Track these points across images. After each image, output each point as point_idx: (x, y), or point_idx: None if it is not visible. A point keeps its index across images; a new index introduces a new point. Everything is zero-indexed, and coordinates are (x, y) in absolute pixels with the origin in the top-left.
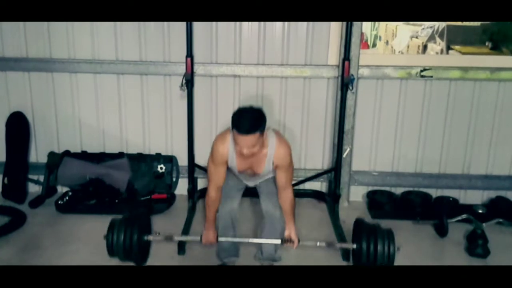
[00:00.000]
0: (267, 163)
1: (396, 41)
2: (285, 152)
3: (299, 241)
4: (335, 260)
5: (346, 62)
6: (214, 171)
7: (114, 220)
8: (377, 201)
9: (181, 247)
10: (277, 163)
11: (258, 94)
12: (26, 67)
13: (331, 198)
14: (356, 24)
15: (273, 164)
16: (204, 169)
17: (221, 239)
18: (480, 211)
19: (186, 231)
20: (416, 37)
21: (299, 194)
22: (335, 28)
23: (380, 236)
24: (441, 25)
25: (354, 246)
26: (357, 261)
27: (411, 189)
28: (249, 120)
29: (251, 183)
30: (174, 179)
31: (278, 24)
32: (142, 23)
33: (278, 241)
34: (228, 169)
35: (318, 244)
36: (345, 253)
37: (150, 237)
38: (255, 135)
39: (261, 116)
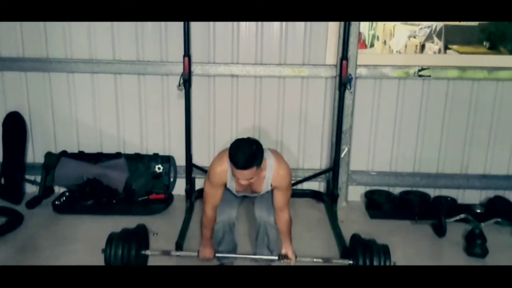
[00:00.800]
0: (265, 185)
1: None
2: (284, 174)
3: (296, 257)
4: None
5: (344, 62)
6: (211, 193)
7: (112, 234)
8: (375, 201)
9: (179, 247)
10: (275, 185)
11: (256, 94)
12: (22, 67)
13: (329, 198)
14: (354, 23)
15: (271, 186)
16: (202, 169)
17: (218, 255)
18: (478, 211)
19: (183, 231)
20: (414, 37)
21: (297, 194)
22: (333, 28)
23: (376, 252)
24: (438, 24)
25: (350, 262)
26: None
27: (409, 189)
28: (246, 156)
29: (248, 198)
30: (171, 179)
31: (276, 24)
32: (139, 22)
33: (275, 258)
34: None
35: (314, 260)
36: (343, 253)
37: (148, 252)
38: (252, 170)
39: (258, 150)
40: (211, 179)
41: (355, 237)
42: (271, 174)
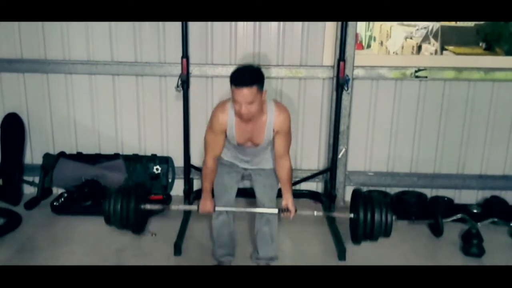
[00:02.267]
0: (267, 131)
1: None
2: (284, 117)
3: (296, 210)
4: (331, 260)
5: (342, 63)
6: (212, 141)
7: (111, 190)
8: None
9: (177, 248)
10: (277, 129)
11: None
12: (20, 68)
13: (327, 198)
14: (351, 24)
15: (274, 131)
16: (200, 170)
17: (218, 208)
18: (475, 211)
19: (182, 232)
20: (411, 38)
21: (295, 194)
22: (330, 29)
23: (377, 206)
24: (435, 25)
25: (352, 215)
26: (354, 231)
27: (406, 189)
28: (246, 74)
29: (248, 164)
30: (170, 180)
31: (274, 25)
32: (137, 24)
33: (275, 211)
34: (225, 144)
35: (315, 213)
36: (341, 253)
37: (147, 206)
38: (252, 89)
39: (259, 72)
40: (212, 125)
41: (356, 192)
42: (272, 118)
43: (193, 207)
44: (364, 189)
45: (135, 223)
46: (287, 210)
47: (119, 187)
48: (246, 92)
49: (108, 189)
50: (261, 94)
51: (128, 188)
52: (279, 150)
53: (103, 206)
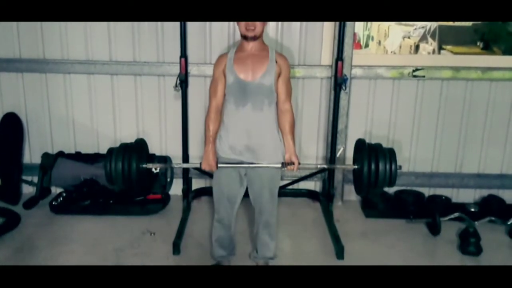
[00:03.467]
0: (269, 64)
1: (389, 41)
2: (286, 59)
3: (299, 163)
4: (330, 259)
5: (339, 62)
6: (213, 86)
7: (112, 148)
8: (371, 200)
9: (176, 247)
10: (279, 64)
11: None
12: (19, 67)
13: (325, 198)
14: (349, 24)
15: (276, 64)
16: (198, 169)
17: (221, 165)
18: (473, 210)
19: (181, 231)
20: (408, 37)
21: (293, 193)
22: (328, 29)
23: (382, 155)
24: (433, 25)
25: (356, 166)
26: (358, 181)
27: (404, 188)
28: None
29: (250, 154)
30: (168, 180)
31: (271, 24)
32: (136, 23)
33: (279, 165)
34: (227, 94)
35: (318, 166)
36: (340, 252)
37: (149, 165)
38: None
39: None
40: (213, 70)
41: (360, 142)
42: (273, 55)
43: (195, 164)
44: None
45: (138, 183)
46: (290, 163)
47: (120, 146)
48: None
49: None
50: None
51: (129, 147)
52: (281, 94)
53: (104, 165)
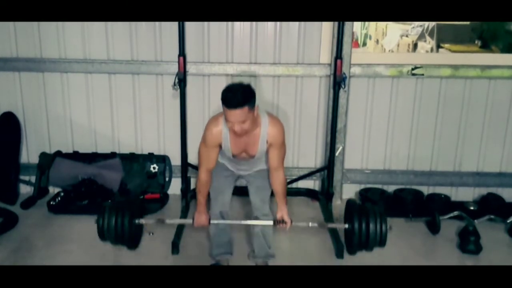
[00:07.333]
0: (261, 143)
1: (386, 40)
2: (278, 130)
3: (291, 221)
4: (329, 259)
5: (339, 61)
6: (205, 154)
7: (105, 204)
8: (370, 198)
9: (175, 247)
10: (270, 141)
11: None
12: (16, 67)
13: (324, 197)
14: (347, 23)
15: (267, 143)
16: (197, 168)
17: (213, 221)
18: (472, 208)
19: (179, 230)
20: (406, 36)
21: (292, 192)
22: (326, 27)
23: (372, 216)
24: (430, 23)
25: (346, 226)
26: (349, 241)
27: (403, 186)
28: (237, 94)
29: (244, 171)
30: (167, 179)
31: (270, 23)
32: (133, 22)
33: (271, 223)
34: (221, 156)
35: (310, 225)
36: (339, 251)
37: (142, 221)
38: (243, 110)
39: (249, 90)
40: (206, 140)
41: (350, 203)
42: (265, 130)
43: (188, 221)
44: (361, 186)
45: (130, 239)
46: (282, 221)
47: (112, 202)
48: (238, 113)
49: (102, 205)
50: (253, 111)
51: (122, 203)
52: (273, 163)
53: (97, 221)
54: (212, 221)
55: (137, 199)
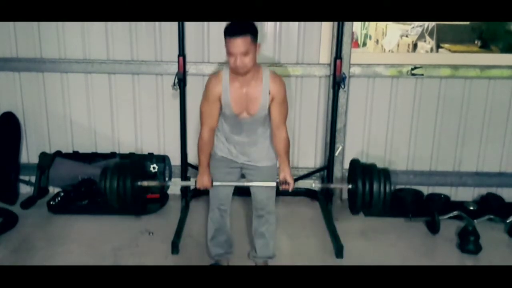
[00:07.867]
0: (263, 96)
1: (386, 40)
2: (280, 83)
3: (294, 182)
4: (329, 259)
5: (338, 61)
6: (207, 111)
7: (108, 165)
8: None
9: (175, 247)
10: (272, 93)
11: None
12: (16, 67)
13: (323, 196)
14: (347, 23)
15: (269, 95)
16: (197, 168)
17: (215, 183)
18: (471, 208)
19: (179, 230)
20: (406, 36)
21: (291, 192)
22: (326, 28)
23: (376, 175)
24: (430, 24)
25: (350, 186)
26: (353, 202)
27: (402, 186)
28: (240, 23)
29: (245, 157)
30: (167, 179)
31: (270, 23)
32: (133, 22)
33: (274, 184)
34: (220, 129)
35: (313, 185)
36: (339, 251)
37: (144, 183)
38: (246, 39)
39: (252, 23)
40: (207, 94)
41: (354, 163)
42: (267, 82)
43: (191, 183)
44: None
45: (134, 202)
46: (285, 182)
47: (115, 164)
48: (240, 42)
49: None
50: (255, 46)
51: (124, 165)
52: (275, 120)
53: (99, 184)
54: (214, 183)
55: (140, 162)
